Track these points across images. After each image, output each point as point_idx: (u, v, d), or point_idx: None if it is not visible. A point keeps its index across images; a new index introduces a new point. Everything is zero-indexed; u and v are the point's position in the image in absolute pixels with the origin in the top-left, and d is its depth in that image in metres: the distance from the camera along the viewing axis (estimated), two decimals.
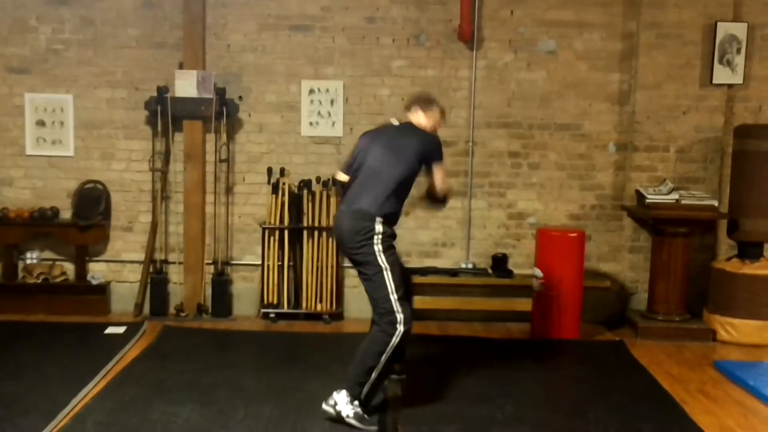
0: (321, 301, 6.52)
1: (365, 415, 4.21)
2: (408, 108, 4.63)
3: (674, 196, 6.19)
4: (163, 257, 6.64)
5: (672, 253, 6.20)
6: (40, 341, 5.71)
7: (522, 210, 6.73)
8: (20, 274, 6.62)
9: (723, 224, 6.49)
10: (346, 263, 6.64)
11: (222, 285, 6.59)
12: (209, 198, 6.62)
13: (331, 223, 6.44)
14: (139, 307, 6.52)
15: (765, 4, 6.52)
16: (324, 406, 4.26)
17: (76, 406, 4.41)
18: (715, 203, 6.24)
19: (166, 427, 4.16)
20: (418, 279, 6.08)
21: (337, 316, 6.58)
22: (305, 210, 6.50)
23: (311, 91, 6.59)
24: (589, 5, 6.55)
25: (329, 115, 6.61)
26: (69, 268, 6.68)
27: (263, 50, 6.59)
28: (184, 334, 6.07)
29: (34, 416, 4.21)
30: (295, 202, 6.50)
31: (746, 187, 6.18)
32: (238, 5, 6.53)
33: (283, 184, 6.49)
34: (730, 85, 6.52)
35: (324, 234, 6.49)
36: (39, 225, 6.50)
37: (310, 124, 6.63)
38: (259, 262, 6.57)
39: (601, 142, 6.68)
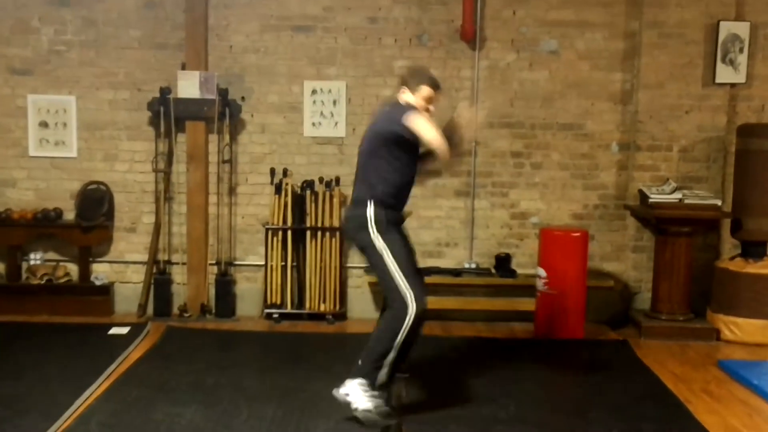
0: (324, 302, 6.53)
1: (386, 407, 4.14)
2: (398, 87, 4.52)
3: (677, 195, 6.19)
4: (166, 258, 6.65)
5: (675, 252, 6.19)
6: (44, 342, 5.71)
7: (525, 210, 6.73)
8: (24, 275, 6.63)
9: (726, 223, 6.49)
10: (350, 263, 6.66)
11: (225, 285, 6.60)
12: (212, 199, 6.63)
13: (335, 223, 6.50)
14: (142, 307, 6.52)
15: (767, 3, 6.51)
16: (335, 391, 4.20)
17: (79, 406, 4.41)
18: (719, 202, 6.23)
19: (170, 427, 4.16)
20: None
21: (341, 316, 6.58)
22: (308, 210, 6.50)
23: (314, 92, 6.59)
24: (591, 5, 6.55)
25: (332, 115, 6.61)
26: (72, 269, 6.68)
27: (265, 51, 6.59)
28: (187, 334, 6.07)
29: (37, 417, 4.21)
30: (298, 202, 6.50)
31: (749, 186, 6.17)
32: (241, 6, 6.54)
33: (286, 184, 6.49)
34: (732, 85, 6.51)
35: (327, 234, 6.49)
36: (42, 226, 6.51)
37: (313, 124, 6.63)
38: (263, 263, 6.57)
39: (603, 142, 6.67)
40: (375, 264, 4.25)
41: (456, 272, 6.55)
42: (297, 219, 6.50)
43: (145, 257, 6.63)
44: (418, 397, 4.65)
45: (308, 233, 6.51)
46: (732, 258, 6.32)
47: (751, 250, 6.21)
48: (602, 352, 5.87)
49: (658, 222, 6.24)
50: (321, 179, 6.53)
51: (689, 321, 6.25)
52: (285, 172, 6.53)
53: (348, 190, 6.44)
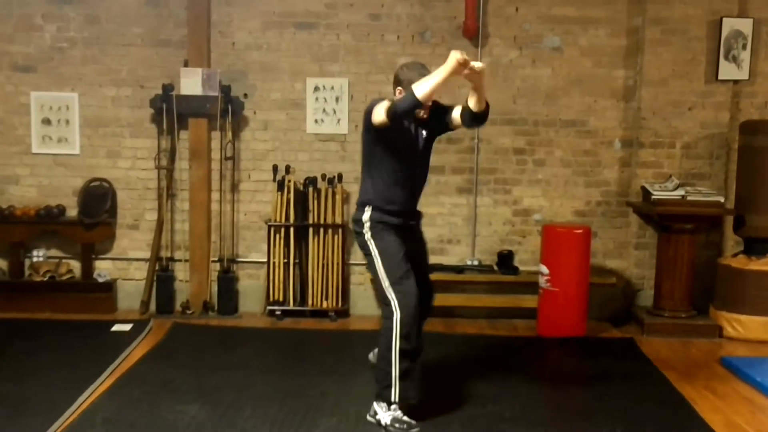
0: (327, 298, 6.53)
1: (405, 417, 4.10)
2: None
3: (680, 192, 6.18)
4: (169, 255, 6.66)
5: (678, 249, 6.19)
6: (46, 339, 5.73)
7: (527, 207, 6.73)
8: (27, 272, 6.63)
9: (729, 220, 6.49)
10: (352, 260, 6.66)
11: (228, 282, 6.60)
12: (215, 195, 6.63)
13: (337, 220, 6.50)
14: (145, 304, 6.53)
15: None
16: (368, 417, 4.21)
17: (82, 403, 4.42)
18: (721, 199, 6.23)
19: (174, 424, 4.17)
20: None
21: (343, 313, 6.58)
22: (311, 207, 6.51)
23: (316, 89, 6.59)
24: (593, 1, 6.53)
25: (334, 112, 6.61)
26: (75, 265, 6.69)
27: (268, 48, 6.59)
28: (191, 331, 6.07)
29: (41, 413, 4.22)
30: (301, 199, 6.51)
31: (752, 183, 6.17)
32: (243, 3, 6.53)
33: (289, 181, 6.49)
34: (735, 81, 6.50)
35: (329, 231, 6.49)
36: (45, 223, 6.51)
37: (315, 121, 6.63)
38: (265, 260, 6.58)
39: (606, 139, 6.66)
40: (369, 267, 4.26)
41: (458, 269, 6.55)
42: (299, 216, 6.51)
43: (147, 254, 6.64)
44: (422, 396, 4.64)
45: (310, 230, 6.52)
46: (735, 255, 6.32)
47: (754, 246, 6.20)
48: (606, 350, 5.86)
49: (660, 219, 6.24)
50: (323, 176, 6.53)
51: (692, 318, 6.25)
52: (287, 169, 6.53)
53: (350, 187, 6.50)
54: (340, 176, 6.52)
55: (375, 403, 4.18)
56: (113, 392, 4.64)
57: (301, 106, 6.62)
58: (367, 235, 4.18)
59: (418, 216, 4.41)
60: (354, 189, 6.33)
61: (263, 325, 6.35)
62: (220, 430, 4.12)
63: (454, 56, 3.89)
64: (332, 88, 6.58)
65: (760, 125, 6.23)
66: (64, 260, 6.69)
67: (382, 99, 4.12)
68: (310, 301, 6.54)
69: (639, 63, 6.52)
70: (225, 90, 6.44)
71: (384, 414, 4.12)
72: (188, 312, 6.49)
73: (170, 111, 6.41)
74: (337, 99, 6.59)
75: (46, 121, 6.61)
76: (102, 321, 6.22)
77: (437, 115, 4.21)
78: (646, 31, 6.43)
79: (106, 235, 6.65)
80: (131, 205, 6.71)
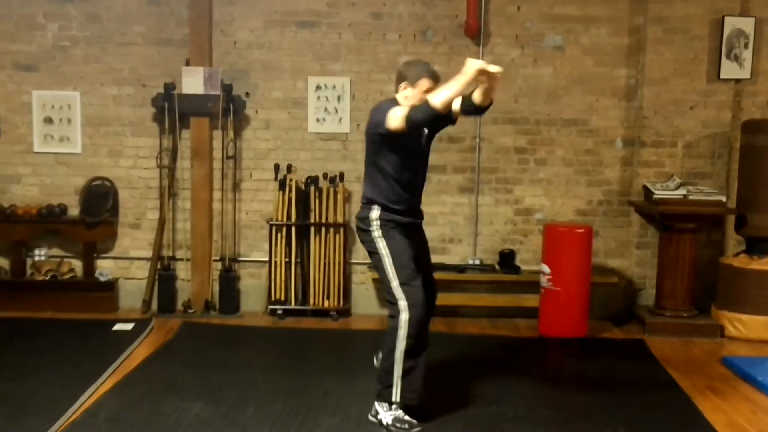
0: (328, 298, 6.53)
1: (406, 416, 4.10)
2: None
3: (682, 191, 6.18)
4: (170, 254, 6.66)
5: (680, 248, 6.18)
6: (48, 338, 5.73)
7: (529, 206, 6.72)
8: (28, 271, 6.63)
9: (731, 220, 6.48)
10: (354, 259, 6.66)
11: (229, 281, 6.60)
12: (216, 195, 6.63)
13: (339, 219, 6.50)
14: (146, 303, 6.54)
15: None
16: (370, 417, 4.22)
17: (84, 402, 4.42)
18: (723, 199, 6.22)
19: (177, 422, 4.17)
20: None
21: (345, 312, 6.58)
22: (312, 206, 6.51)
23: (318, 88, 6.59)
24: (595, 0, 6.52)
25: (336, 111, 6.61)
26: (77, 264, 6.69)
27: (270, 47, 6.59)
28: (193, 330, 6.08)
29: (43, 413, 4.22)
30: (302, 198, 6.51)
31: (754, 182, 6.16)
32: (245, 2, 6.53)
33: (290, 180, 6.49)
34: (737, 80, 6.49)
35: (331, 230, 6.49)
36: (47, 222, 6.51)
37: (317, 120, 6.63)
38: (267, 259, 6.58)
39: (608, 138, 6.66)
40: (376, 266, 4.23)
41: (460, 268, 6.55)
42: (301, 215, 6.51)
43: (149, 253, 6.64)
44: (423, 396, 4.64)
45: (312, 229, 6.52)
46: (736, 254, 6.32)
47: (755, 246, 6.20)
48: (609, 349, 5.87)
49: (662, 218, 6.23)
50: (325, 175, 6.53)
51: (693, 317, 6.25)
52: (289, 168, 6.53)
53: (352, 186, 6.50)
54: (341, 175, 6.52)
55: (376, 403, 4.18)
56: (115, 391, 4.64)
57: (302, 105, 6.62)
58: (376, 234, 4.15)
59: (422, 215, 4.42)
60: (356, 188, 6.35)
61: (265, 324, 6.35)
62: (222, 429, 4.12)
63: (474, 66, 3.83)
64: (334, 87, 6.58)
65: (761, 124, 6.23)
66: (65, 259, 6.69)
67: (391, 102, 4.13)
68: (311, 301, 6.54)
69: (641, 62, 6.52)
70: (227, 89, 6.44)
71: (385, 413, 4.12)
72: (190, 311, 6.49)
73: (172, 110, 6.42)
74: (338, 98, 6.59)
75: (48, 120, 6.62)
76: (103, 320, 6.22)
77: (443, 114, 4.20)
78: (648, 29, 6.43)
79: (108, 234, 6.65)
80: (133, 204, 6.71)
